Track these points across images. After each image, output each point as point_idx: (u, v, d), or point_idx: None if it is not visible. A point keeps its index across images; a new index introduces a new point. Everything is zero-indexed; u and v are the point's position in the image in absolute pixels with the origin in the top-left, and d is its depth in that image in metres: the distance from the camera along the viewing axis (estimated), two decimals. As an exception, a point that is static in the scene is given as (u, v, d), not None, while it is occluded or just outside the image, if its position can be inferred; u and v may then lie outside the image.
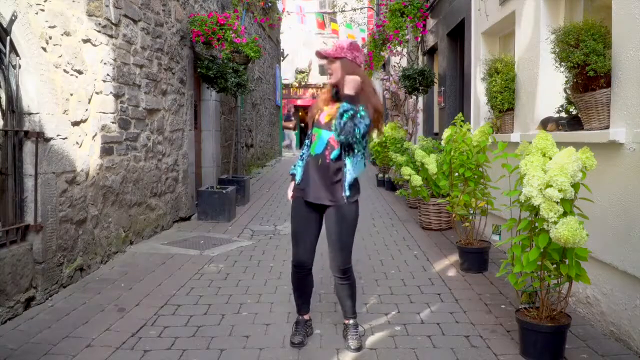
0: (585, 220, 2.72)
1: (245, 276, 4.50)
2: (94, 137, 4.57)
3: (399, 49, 10.00)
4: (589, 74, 3.25)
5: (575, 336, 3.16)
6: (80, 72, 4.32)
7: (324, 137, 2.95)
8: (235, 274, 4.57)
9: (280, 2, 16.25)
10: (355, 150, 2.94)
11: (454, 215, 4.83)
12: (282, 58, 19.69)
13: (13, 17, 3.46)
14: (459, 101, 8.02)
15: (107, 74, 4.80)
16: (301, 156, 3.12)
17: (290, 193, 3.13)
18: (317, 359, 2.96)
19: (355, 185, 3.00)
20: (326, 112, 3.01)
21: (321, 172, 2.94)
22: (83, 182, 4.39)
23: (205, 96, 8.21)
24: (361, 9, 19.35)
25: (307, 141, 3.10)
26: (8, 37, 3.48)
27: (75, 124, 4.26)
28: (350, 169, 2.93)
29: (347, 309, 3.14)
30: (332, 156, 2.91)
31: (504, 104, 5.02)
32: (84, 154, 4.40)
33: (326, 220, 3.03)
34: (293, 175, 3.15)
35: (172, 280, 4.34)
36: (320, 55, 3.00)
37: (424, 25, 9.56)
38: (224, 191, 7.00)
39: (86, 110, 4.42)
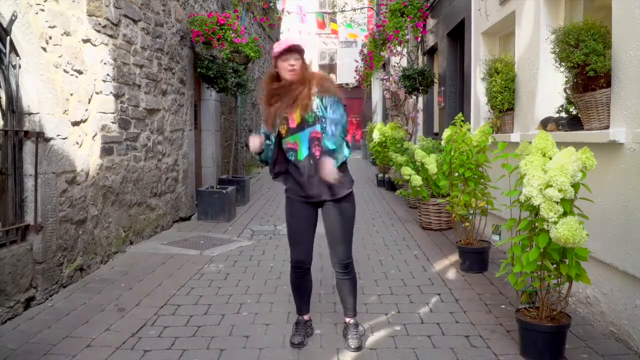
0: (585, 220, 2.72)
1: (245, 276, 4.50)
2: (94, 137, 4.57)
3: (399, 49, 10.01)
4: (589, 74, 3.25)
5: (575, 336, 3.16)
6: (80, 72, 4.32)
7: (304, 138, 2.91)
8: (235, 274, 4.57)
9: (280, 2, 16.23)
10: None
11: (454, 215, 4.83)
12: (282, 58, 19.65)
13: (13, 17, 3.46)
14: (459, 101, 8.02)
15: (107, 74, 4.80)
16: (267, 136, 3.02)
17: (256, 141, 2.99)
18: (317, 359, 2.96)
19: (347, 174, 3.00)
20: (293, 116, 2.91)
21: (315, 169, 2.90)
22: (83, 182, 4.39)
23: (205, 96, 8.21)
24: (361, 9, 19.36)
25: (280, 148, 3.02)
26: (8, 37, 3.48)
27: (75, 124, 4.27)
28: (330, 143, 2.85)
29: (348, 306, 3.14)
30: (323, 145, 2.83)
31: (504, 104, 5.02)
32: (84, 154, 4.40)
33: (326, 215, 3.03)
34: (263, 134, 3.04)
35: (172, 280, 4.34)
36: (296, 48, 2.91)
37: (424, 25, 9.56)
38: (224, 191, 7.00)
39: (86, 110, 4.42)
